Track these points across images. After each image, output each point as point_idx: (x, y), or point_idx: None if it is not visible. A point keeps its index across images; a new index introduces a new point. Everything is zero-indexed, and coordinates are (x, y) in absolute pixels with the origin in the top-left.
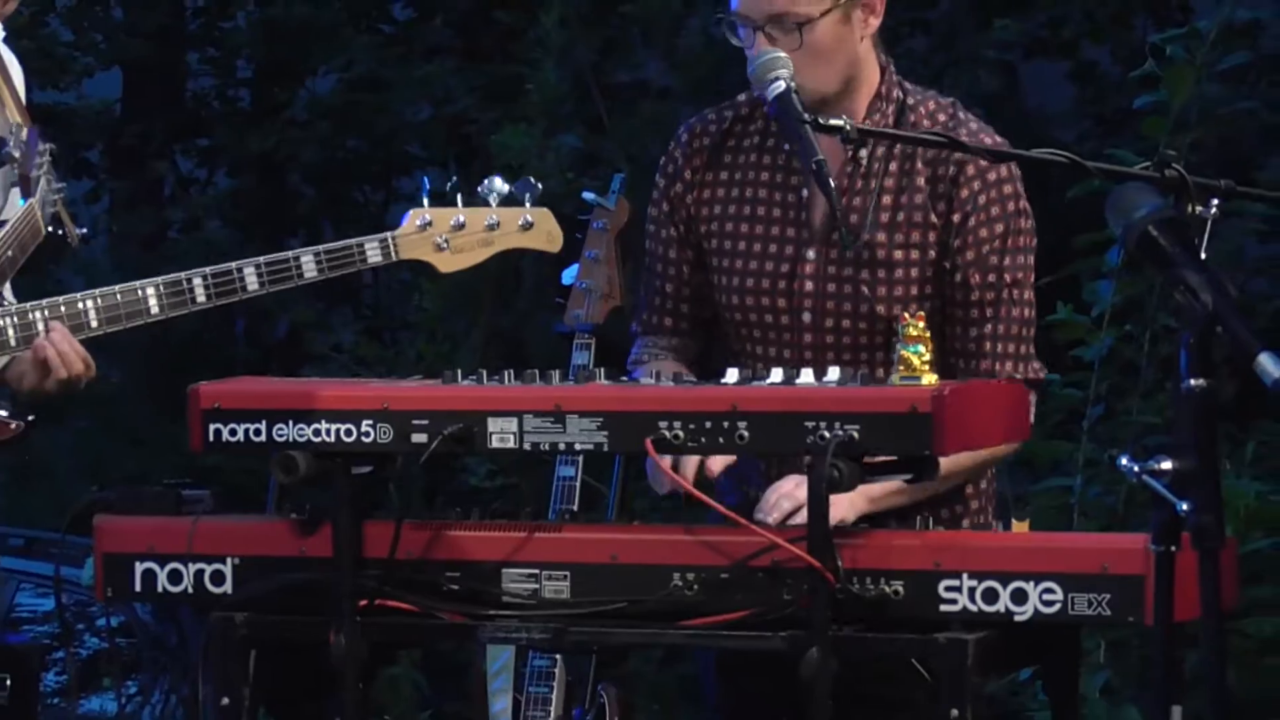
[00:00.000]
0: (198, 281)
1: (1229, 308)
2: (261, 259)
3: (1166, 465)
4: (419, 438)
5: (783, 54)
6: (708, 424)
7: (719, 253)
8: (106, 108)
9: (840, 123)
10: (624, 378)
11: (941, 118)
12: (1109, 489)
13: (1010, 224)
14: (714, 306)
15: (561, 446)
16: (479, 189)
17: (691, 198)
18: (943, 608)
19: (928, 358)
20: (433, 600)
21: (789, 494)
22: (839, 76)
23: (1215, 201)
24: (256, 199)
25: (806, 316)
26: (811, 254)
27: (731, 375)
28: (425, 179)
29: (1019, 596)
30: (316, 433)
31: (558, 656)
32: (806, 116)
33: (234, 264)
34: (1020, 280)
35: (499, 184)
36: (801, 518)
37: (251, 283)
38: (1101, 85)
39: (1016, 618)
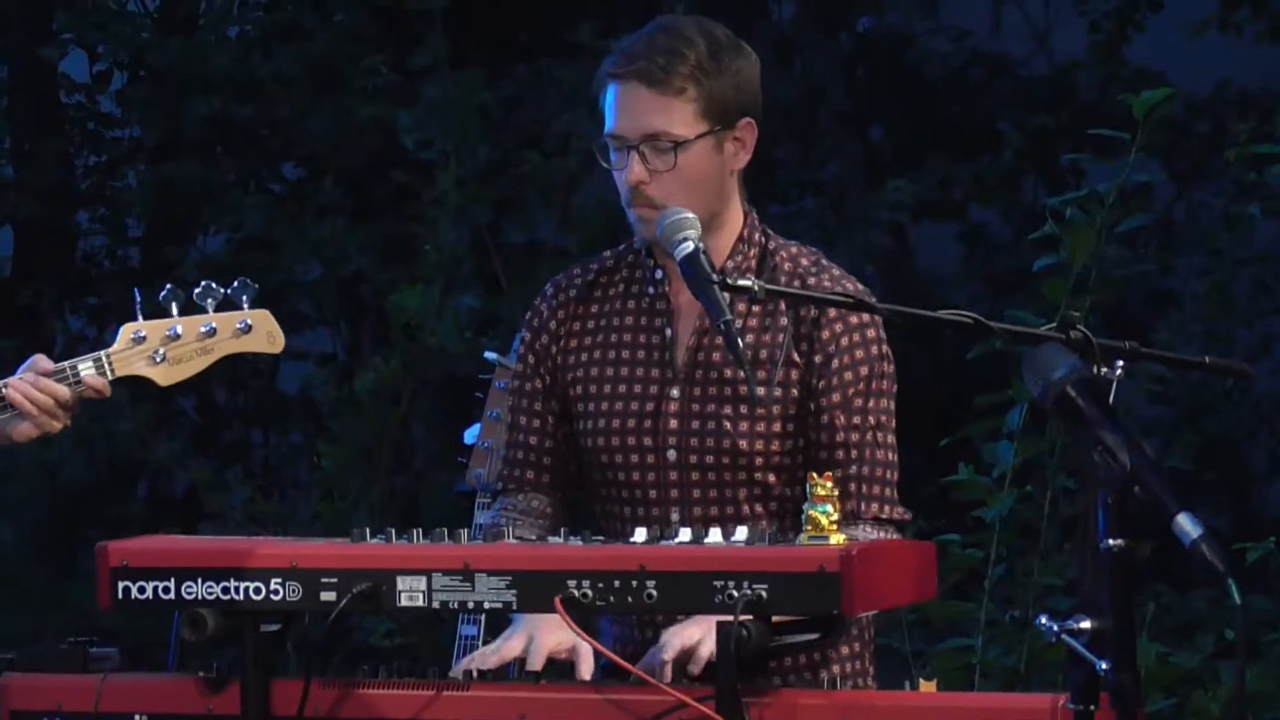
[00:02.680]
0: None
1: (1147, 468)
2: None
3: (1085, 625)
4: (328, 596)
5: (690, 214)
6: (616, 583)
7: (585, 398)
8: None
9: (749, 283)
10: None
11: (805, 262)
12: (1010, 649)
13: (874, 367)
14: (578, 461)
15: (470, 605)
16: (194, 294)
17: (557, 348)
18: None
19: (835, 517)
20: None
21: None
22: (706, 207)
23: (1120, 363)
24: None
25: (671, 454)
26: (675, 392)
27: (640, 534)
28: (137, 290)
29: None
30: (225, 590)
31: None
32: (715, 276)
33: None
34: (883, 423)
35: (214, 288)
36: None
37: None
38: (991, 247)
39: None
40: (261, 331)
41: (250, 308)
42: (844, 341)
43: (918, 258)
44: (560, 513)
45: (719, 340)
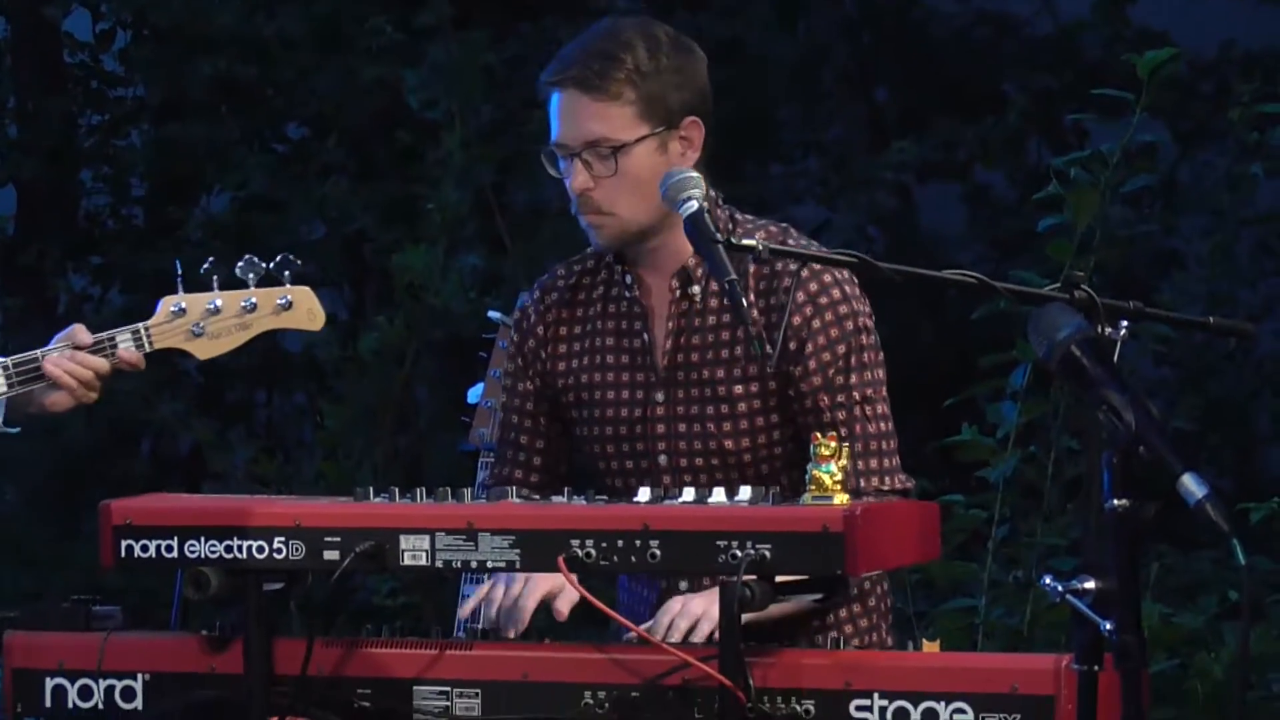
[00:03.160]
0: None
1: (1152, 428)
2: (10, 359)
3: (1089, 585)
4: (331, 555)
5: (694, 174)
6: (619, 542)
7: (577, 404)
8: (0, 225)
9: (753, 242)
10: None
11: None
12: (1013, 610)
13: (851, 342)
14: (569, 460)
15: (474, 565)
16: (237, 269)
17: (545, 353)
18: None
19: (839, 477)
20: (345, 717)
21: (682, 613)
22: (656, 207)
23: (1124, 323)
24: (150, 317)
25: (662, 459)
26: (660, 396)
27: (644, 494)
28: (177, 262)
29: (930, 716)
30: (229, 549)
31: None
32: (719, 236)
33: None
34: (870, 396)
35: (256, 263)
36: (698, 634)
37: None
38: (995, 208)
39: None
40: (302, 308)
41: (292, 283)
42: (815, 324)
43: (922, 219)
44: None
45: (695, 340)
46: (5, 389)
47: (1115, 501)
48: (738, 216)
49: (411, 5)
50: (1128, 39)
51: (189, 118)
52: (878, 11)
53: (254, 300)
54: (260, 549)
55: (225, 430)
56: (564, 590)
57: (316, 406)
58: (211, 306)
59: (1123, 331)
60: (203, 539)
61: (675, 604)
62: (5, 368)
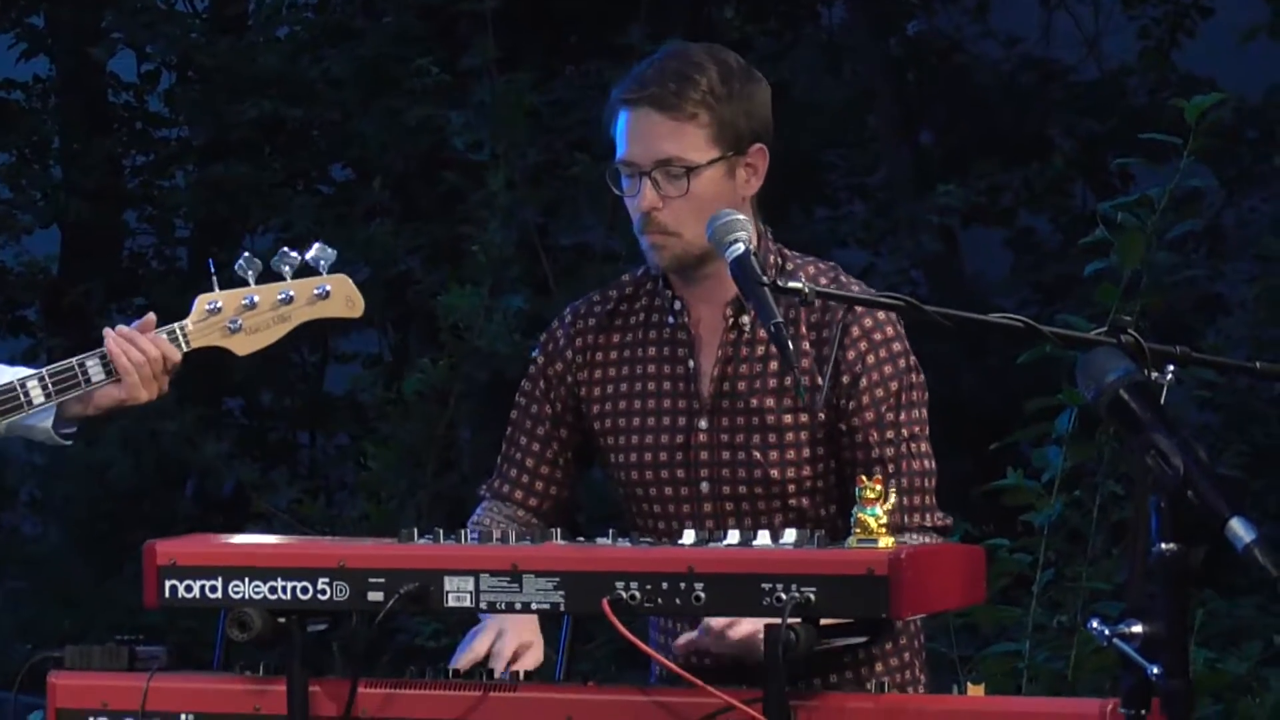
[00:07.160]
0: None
1: (1201, 472)
2: (45, 370)
3: (1137, 629)
4: (375, 596)
5: (742, 216)
6: (664, 585)
7: (614, 431)
8: (45, 266)
9: (799, 285)
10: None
11: (823, 281)
12: (1057, 654)
13: (903, 380)
14: (570, 488)
15: (518, 606)
16: (272, 262)
17: (574, 379)
18: None
19: (884, 520)
20: None
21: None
22: None
23: (1171, 367)
24: (193, 356)
25: (704, 486)
26: (704, 424)
27: (688, 537)
28: (210, 261)
29: None
30: (273, 590)
31: None
32: (765, 279)
33: (15, 378)
34: (917, 434)
35: (290, 254)
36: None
37: (37, 395)
38: (1039, 252)
39: None
40: (340, 296)
41: (328, 273)
42: (870, 359)
43: (965, 263)
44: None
45: (743, 369)
46: (43, 400)
47: (1163, 546)
48: (786, 252)
49: (456, 47)
50: (1173, 84)
51: (233, 159)
52: (923, 56)
53: (290, 292)
54: (304, 590)
55: (268, 471)
56: (530, 649)
57: (360, 448)
58: (248, 301)
59: (1169, 376)
60: (247, 580)
61: (721, 620)
62: (42, 379)
